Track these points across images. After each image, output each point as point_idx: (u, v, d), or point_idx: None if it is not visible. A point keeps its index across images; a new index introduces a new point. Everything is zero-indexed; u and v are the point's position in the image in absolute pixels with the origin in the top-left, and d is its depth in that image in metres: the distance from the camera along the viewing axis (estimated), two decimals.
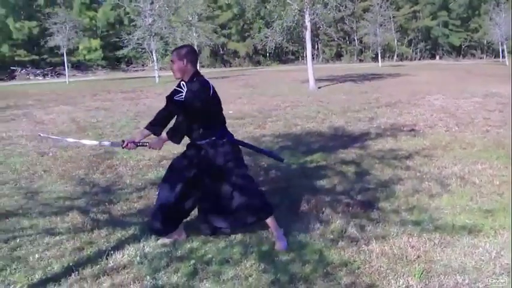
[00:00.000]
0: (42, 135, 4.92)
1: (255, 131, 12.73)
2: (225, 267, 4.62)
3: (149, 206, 6.54)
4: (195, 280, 4.40)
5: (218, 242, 5.21)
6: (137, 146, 5.13)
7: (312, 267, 4.56)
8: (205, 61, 79.88)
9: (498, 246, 4.90)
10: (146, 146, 5.12)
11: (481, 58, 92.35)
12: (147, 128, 5.21)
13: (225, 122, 5.22)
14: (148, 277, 4.47)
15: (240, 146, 5.35)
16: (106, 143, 6.29)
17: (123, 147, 5.12)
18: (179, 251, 5.02)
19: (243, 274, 4.47)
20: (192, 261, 4.75)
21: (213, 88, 5.05)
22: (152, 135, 5.19)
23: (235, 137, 5.33)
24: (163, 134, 5.08)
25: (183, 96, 4.97)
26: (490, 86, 24.15)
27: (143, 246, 5.17)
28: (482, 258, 4.68)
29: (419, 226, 5.47)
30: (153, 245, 5.20)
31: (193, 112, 4.88)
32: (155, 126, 5.19)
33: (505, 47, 67.81)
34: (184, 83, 5.02)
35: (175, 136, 4.99)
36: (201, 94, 4.92)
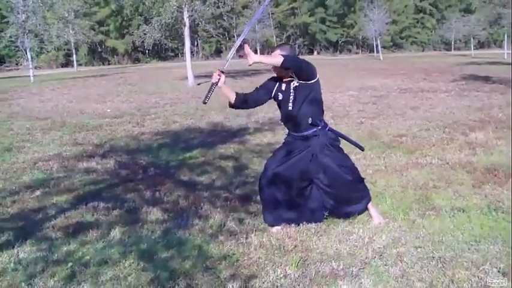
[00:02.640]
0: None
1: (133, 129, 12.60)
2: (103, 268, 4.53)
3: (23, 210, 6.31)
4: (73, 283, 4.28)
5: (96, 243, 5.11)
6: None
7: (191, 262, 4.58)
8: (82, 59, 78.00)
9: (371, 232, 5.13)
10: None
11: (356, 53, 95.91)
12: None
13: None
14: (23, 284, 4.30)
15: None
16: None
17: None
18: (56, 255, 4.86)
19: (122, 274, 4.40)
20: (70, 264, 4.62)
21: None
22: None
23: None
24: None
25: None
26: (364, 80, 25.10)
27: (17, 252, 4.95)
28: (356, 244, 4.88)
29: None
30: (28, 250, 5.00)
31: None
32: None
33: (378, 42, 70.68)
34: None
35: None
36: None
